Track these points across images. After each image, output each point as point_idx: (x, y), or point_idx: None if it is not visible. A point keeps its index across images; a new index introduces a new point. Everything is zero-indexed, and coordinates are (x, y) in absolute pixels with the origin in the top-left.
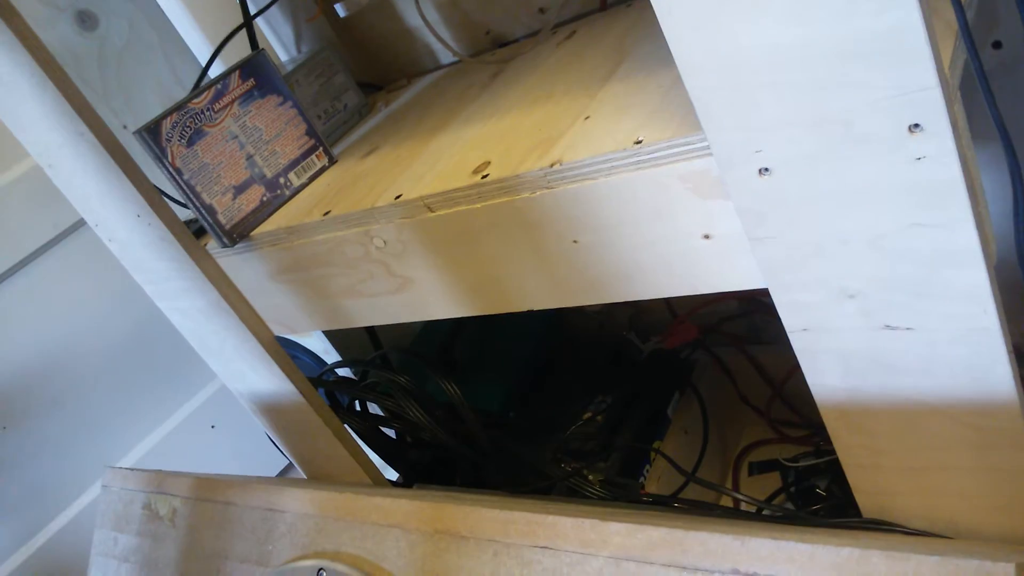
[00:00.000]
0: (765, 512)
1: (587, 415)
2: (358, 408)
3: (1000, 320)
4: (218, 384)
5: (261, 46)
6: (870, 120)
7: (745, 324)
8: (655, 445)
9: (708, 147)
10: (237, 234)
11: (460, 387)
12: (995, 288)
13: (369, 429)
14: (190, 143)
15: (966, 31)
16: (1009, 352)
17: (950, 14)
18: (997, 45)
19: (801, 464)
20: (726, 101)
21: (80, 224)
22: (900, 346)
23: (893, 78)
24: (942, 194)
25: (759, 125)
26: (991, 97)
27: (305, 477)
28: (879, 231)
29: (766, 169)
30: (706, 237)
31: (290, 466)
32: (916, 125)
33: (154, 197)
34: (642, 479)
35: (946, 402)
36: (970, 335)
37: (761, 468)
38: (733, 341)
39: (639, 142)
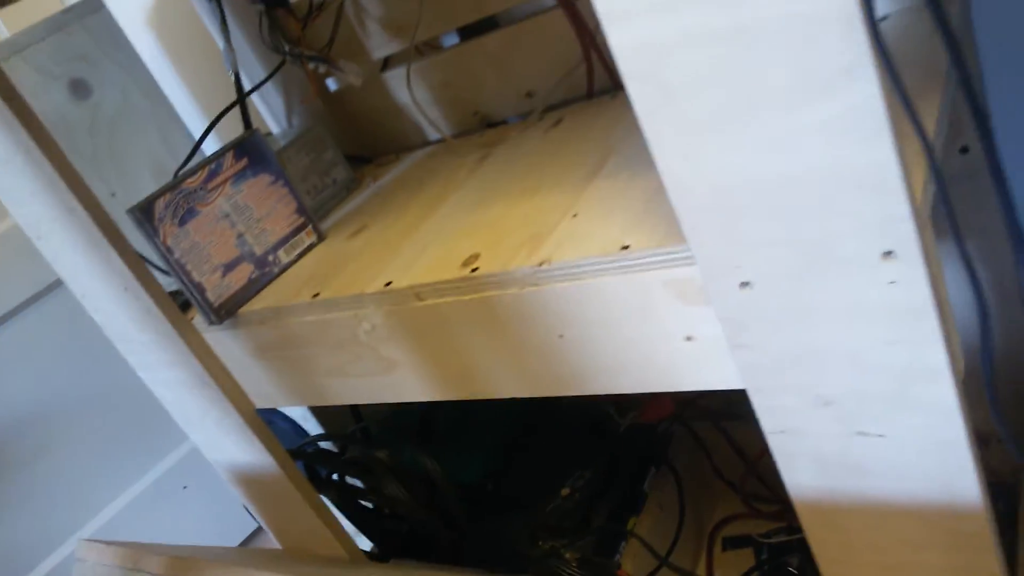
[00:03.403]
0: None
1: (565, 491)
2: (336, 479)
3: (967, 432)
4: (190, 445)
5: (252, 120)
6: (847, 245)
7: (721, 399)
8: (631, 521)
9: (692, 257)
10: (225, 311)
11: (438, 458)
12: (963, 403)
13: (347, 501)
14: (182, 222)
15: (938, 175)
16: (976, 462)
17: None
18: (964, 150)
19: (774, 540)
20: (711, 220)
21: (58, 283)
22: (873, 452)
23: (869, 209)
24: (913, 316)
25: (741, 243)
26: (957, 228)
27: (279, 546)
28: (854, 346)
29: (747, 283)
30: (688, 339)
31: (261, 528)
32: (890, 252)
33: (141, 271)
34: (618, 556)
35: (916, 505)
36: (938, 445)
37: (735, 543)
38: (709, 416)
39: (626, 247)
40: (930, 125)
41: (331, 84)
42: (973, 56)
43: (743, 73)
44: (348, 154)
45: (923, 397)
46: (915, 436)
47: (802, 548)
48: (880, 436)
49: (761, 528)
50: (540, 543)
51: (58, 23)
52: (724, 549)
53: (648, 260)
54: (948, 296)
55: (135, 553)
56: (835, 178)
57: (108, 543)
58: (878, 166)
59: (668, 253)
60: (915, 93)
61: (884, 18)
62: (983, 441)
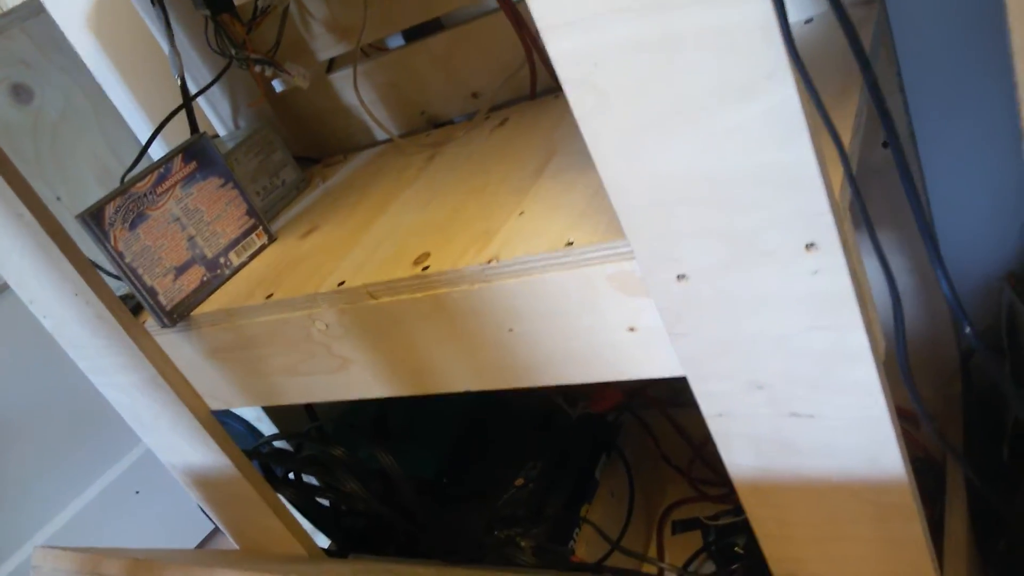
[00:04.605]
0: None
1: (519, 481)
2: (293, 478)
3: (889, 409)
4: (142, 450)
5: (199, 123)
6: (773, 238)
7: (667, 387)
8: (584, 508)
9: (632, 252)
10: (177, 314)
11: (394, 454)
12: (884, 382)
13: (304, 499)
14: (132, 226)
15: (851, 178)
16: (898, 436)
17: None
18: (886, 145)
19: (721, 522)
20: (647, 216)
21: (3, 288)
22: (804, 431)
23: (791, 204)
24: (835, 302)
25: (677, 237)
26: (869, 222)
27: (236, 546)
28: (782, 332)
29: (683, 275)
30: (631, 330)
31: (216, 530)
32: (812, 244)
33: (92, 275)
34: (572, 543)
35: (846, 480)
36: (863, 423)
37: (684, 527)
38: (656, 404)
39: (570, 243)
40: (848, 123)
41: (277, 86)
42: (893, 58)
43: (672, 79)
44: (296, 155)
45: (847, 378)
46: (842, 415)
47: (747, 529)
48: (810, 416)
49: (708, 511)
50: (496, 532)
51: None
52: (674, 532)
53: (591, 255)
54: (870, 284)
55: (94, 558)
56: (759, 175)
57: (65, 549)
58: (798, 164)
59: (610, 248)
60: (835, 93)
61: (809, 20)
62: (914, 421)
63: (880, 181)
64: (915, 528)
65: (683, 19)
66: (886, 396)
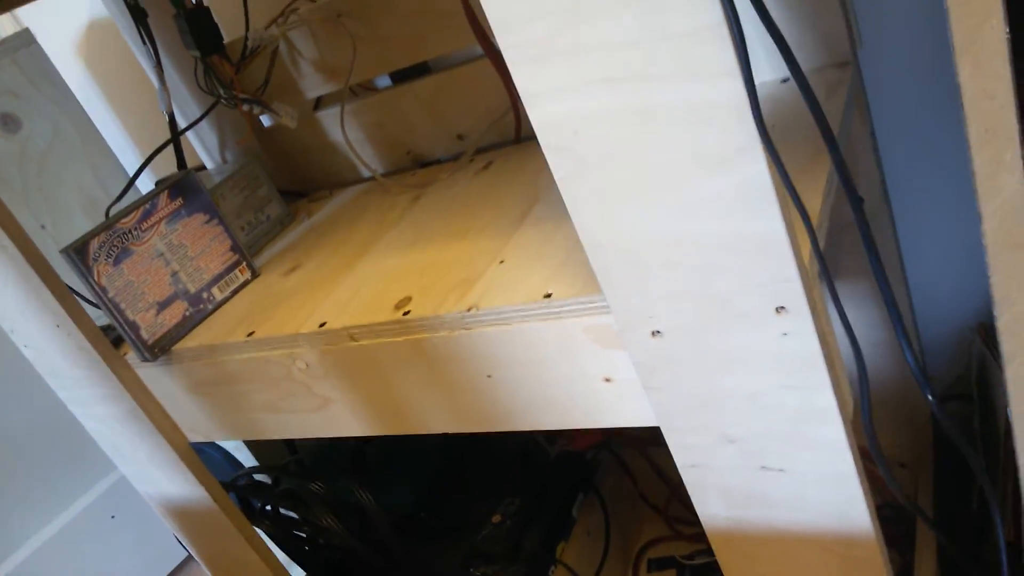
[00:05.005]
0: None
1: (496, 518)
2: (270, 510)
3: (857, 466)
4: (118, 475)
5: (186, 154)
6: (745, 300)
7: (645, 427)
8: (560, 546)
9: (608, 306)
10: (159, 349)
11: (372, 488)
12: (852, 440)
13: (281, 532)
14: (116, 262)
15: (820, 257)
16: (866, 492)
17: (812, 209)
18: (860, 200)
19: (696, 562)
20: (624, 274)
21: None
22: (774, 484)
23: (763, 269)
24: (804, 363)
25: (652, 296)
26: (833, 288)
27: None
28: (754, 389)
29: (658, 331)
30: (607, 380)
31: (191, 557)
32: (782, 307)
33: (73, 307)
34: None
35: (814, 533)
36: (832, 478)
37: (659, 565)
38: (633, 443)
39: (549, 295)
40: (820, 186)
41: (266, 120)
42: (867, 117)
43: (648, 149)
44: (282, 188)
45: (816, 435)
46: (811, 470)
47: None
48: (780, 470)
49: (684, 550)
50: (472, 570)
51: None
52: (649, 571)
53: (569, 308)
54: (838, 343)
55: None
56: (731, 242)
57: None
58: (768, 233)
59: (587, 302)
60: (809, 150)
61: (786, 80)
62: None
63: (856, 233)
64: None
65: (662, 93)
66: (853, 453)
